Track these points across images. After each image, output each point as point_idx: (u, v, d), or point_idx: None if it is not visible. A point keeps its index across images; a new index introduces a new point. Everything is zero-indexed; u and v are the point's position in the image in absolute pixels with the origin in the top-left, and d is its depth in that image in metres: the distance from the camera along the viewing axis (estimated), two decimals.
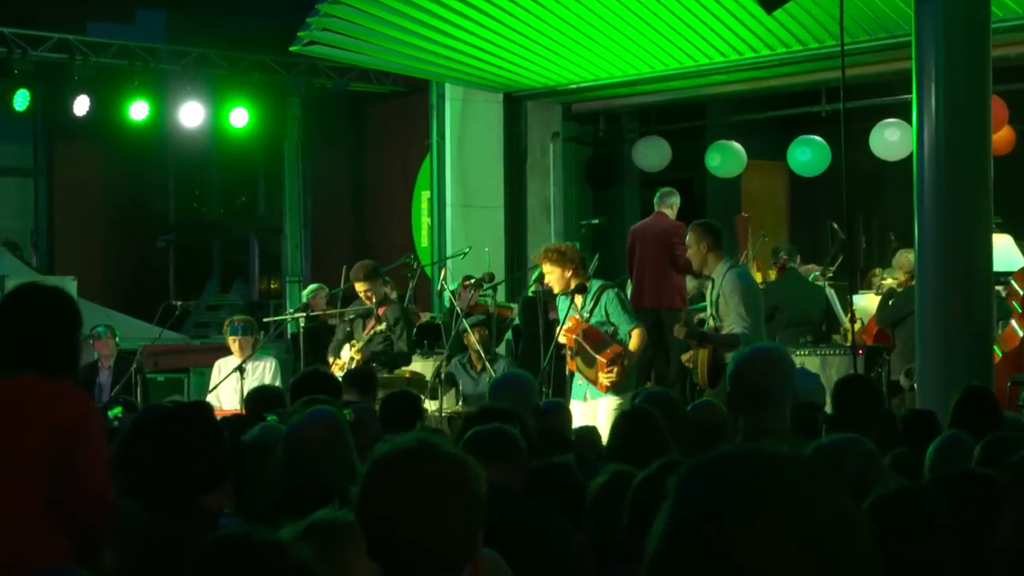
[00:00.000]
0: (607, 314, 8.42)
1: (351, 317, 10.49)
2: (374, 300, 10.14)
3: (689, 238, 8.33)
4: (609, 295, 8.50)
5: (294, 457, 4.12)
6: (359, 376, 7.65)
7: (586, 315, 8.41)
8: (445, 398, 10.32)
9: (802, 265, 12.76)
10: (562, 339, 8.46)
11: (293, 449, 4.13)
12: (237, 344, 10.52)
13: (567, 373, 8.93)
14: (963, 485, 3.11)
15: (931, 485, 3.13)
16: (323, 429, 4.15)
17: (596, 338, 8.31)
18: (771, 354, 4.20)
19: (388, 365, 10.00)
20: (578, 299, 8.48)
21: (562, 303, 8.60)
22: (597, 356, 8.18)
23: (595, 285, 8.52)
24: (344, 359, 10.07)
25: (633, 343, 8.38)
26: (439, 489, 2.45)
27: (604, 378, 8.19)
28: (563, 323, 8.60)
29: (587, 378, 8.33)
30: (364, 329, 10.24)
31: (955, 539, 2.90)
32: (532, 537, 3.89)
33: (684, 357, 8.24)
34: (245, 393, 10.10)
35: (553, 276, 8.45)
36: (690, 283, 11.81)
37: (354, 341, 10.16)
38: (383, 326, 10.06)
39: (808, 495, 1.42)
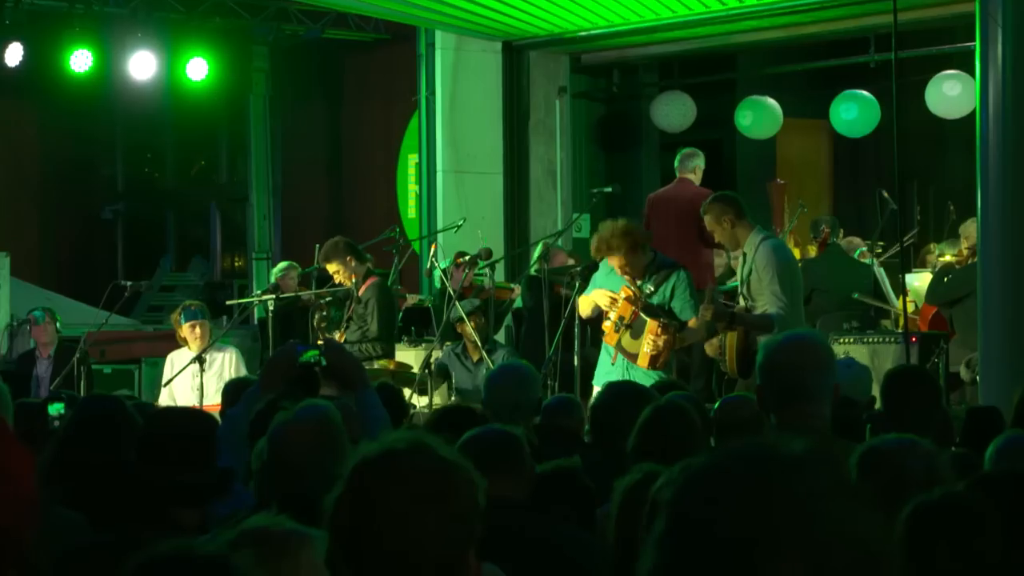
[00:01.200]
0: (671, 297, 8.45)
1: (328, 299, 10.49)
2: (354, 280, 10.15)
3: (707, 221, 8.31)
4: (681, 275, 8.53)
5: (279, 463, 4.13)
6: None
7: (648, 290, 8.43)
8: (436, 393, 10.34)
9: (846, 239, 12.75)
10: (601, 303, 8.42)
11: (278, 453, 4.14)
12: (197, 331, 10.51)
13: (577, 365, 8.94)
14: (1009, 487, 3.13)
15: (975, 487, 3.15)
16: (314, 428, 4.16)
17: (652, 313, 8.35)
18: (806, 341, 4.18)
19: (369, 357, 10.02)
20: (619, 269, 8.46)
21: (603, 278, 8.56)
22: (648, 319, 8.20)
23: (661, 260, 8.56)
24: None
25: (692, 323, 8.44)
26: (425, 498, 2.47)
27: (648, 343, 8.20)
28: (575, 296, 8.58)
29: (627, 353, 8.33)
30: (345, 313, 10.26)
31: (1002, 550, 2.94)
32: (543, 551, 3.91)
33: (708, 348, 8.25)
34: (205, 388, 10.16)
35: (625, 263, 8.35)
36: (718, 257, 11.81)
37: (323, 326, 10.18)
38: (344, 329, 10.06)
39: (829, 512, 1.41)
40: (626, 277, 8.43)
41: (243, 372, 10.48)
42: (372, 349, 10.09)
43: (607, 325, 8.48)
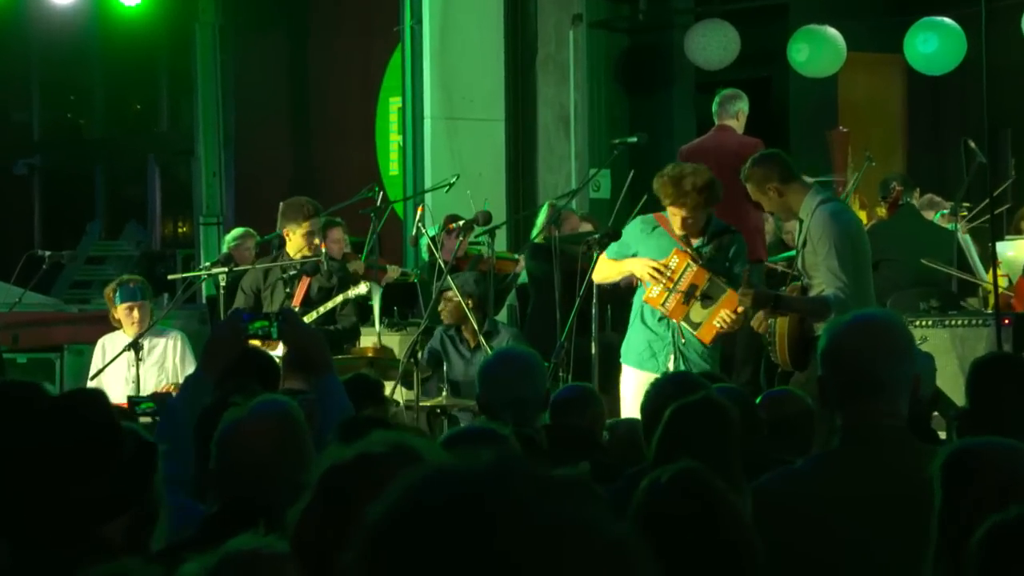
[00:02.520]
0: (731, 264, 8.51)
1: (292, 274, 10.48)
2: (323, 250, 10.17)
3: (750, 191, 8.33)
4: (740, 240, 8.66)
5: (230, 466, 4.15)
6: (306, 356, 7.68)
7: (706, 253, 8.47)
8: (423, 385, 10.33)
9: (925, 198, 12.73)
10: (640, 274, 8.40)
11: (229, 455, 4.16)
12: (135, 314, 10.48)
13: (595, 352, 8.90)
14: None
15: None
16: (271, 427, 4.18)
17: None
18: (878, 323, 4.16)
19: (335, 346, 10.02)
20: (677, 222, 8.47)
21: (640, 239, 8.55)
22: (729, 290, 8.23)
23: (717, 223, 8.62)
24: None
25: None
26: None
27: (723, 318, 8.22)
28: (592, 267, 8.56)
29: (691, 324, 8.34)
30: (295, 293, 10.25)
31: None
32: None
33: (755, 322, 8.21)
34: (142, 381, 10.15)
35: (692, 219, 8.41)
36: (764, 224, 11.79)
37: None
38: (341, 299, 10.06)
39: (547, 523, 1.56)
40: (677, 238, 8.42)
41: (189, 361, 10.46)
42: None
43: (654, 296, 8.42)
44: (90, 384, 10.52)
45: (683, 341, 8.48)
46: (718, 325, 8.30)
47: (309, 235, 10.19)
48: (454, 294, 10.51)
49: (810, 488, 3.97)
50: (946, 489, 3.28)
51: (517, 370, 6.25)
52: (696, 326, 8.38)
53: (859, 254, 8.15)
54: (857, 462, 3.90)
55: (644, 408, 5.82)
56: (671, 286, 8.37)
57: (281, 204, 10.61)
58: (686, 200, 8.37)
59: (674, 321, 8.44)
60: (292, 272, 10.42)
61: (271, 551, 2.80)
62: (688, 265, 8.34)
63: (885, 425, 3.94)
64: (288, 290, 10.28)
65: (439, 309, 10.63)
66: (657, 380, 6.14)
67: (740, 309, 8.22)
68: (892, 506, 3.75)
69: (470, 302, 10.58)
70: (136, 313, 10.43)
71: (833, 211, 8.14)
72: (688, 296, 8.36)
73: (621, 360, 8.74)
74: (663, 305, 8.43)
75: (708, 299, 8.33)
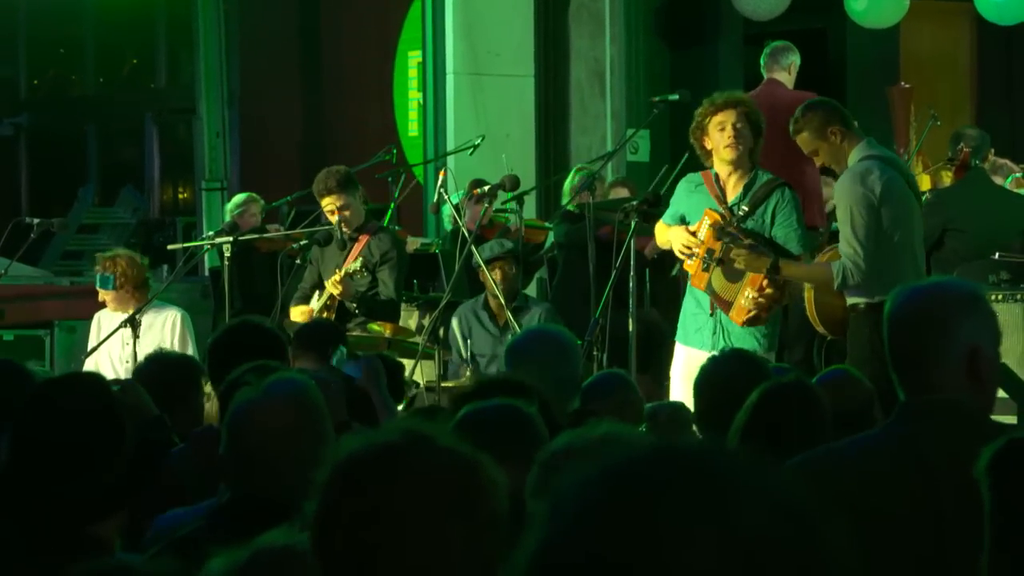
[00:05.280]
0: (772, 222, 8.49)
1: (303, 243, 10.53)
2: (348, 226, 10.21)
3: (805, 139, 8.31)
4: (786, 194, 8.57)
5: (241, 454, 4.17)
6: (317, 332, 7.72)
7: (743, 211, 8.47)
8: (444, 365, 10.38)
9: (1001, 162, 12.72)
10: (676, 246, 8.44)
11: (240, 441, 4.17)
12: (109, 298, 10.48)
13: (632, 330, 8.96)
14: None
15: None
16: (288, 410, 4.18)
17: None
18: (932, 291, 4.16)
19: (372, 313, 10.09)
20: (732, 183, 8.50)
21: (684, 198, 8.59)
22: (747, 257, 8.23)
23: (762, 177, 8.61)
24: (314, 305, 10.17)
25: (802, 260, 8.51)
26: (441, 507, 2.52)
27: (747, 298, 8.24)
28: (630, 237, 8.58)
29: (720, 299, 8.39)
30: (341, 267, 10.33)
31: None
32: None
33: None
34: (139, 360, 10.22)
35: (742, 135, 8.46)
36: (825, 187, 11.79)
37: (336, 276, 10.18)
38: (358, 263, 10.12)
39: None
40: (715, 195, 8.45)
41: (189, 341, 10.51)
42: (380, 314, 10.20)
43: (690, 264, 8.47)
44: (87, 363, 10.59)
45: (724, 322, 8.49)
46: (745, 305, 8.29)
47: (329, 213, 10.24)
48: (498, 264, 10.54)
49: (848, 470, 3.92)
50: (997, 488, 3.17)
51: (550, 350, 6.27)
52: (725, 304, 8.37)
53: (883, 220, 8.08)
54: (902, 440, 3.90)
55: (699, 389, 5.86)
56: (699, 251, 8.41)
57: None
58: (737, 106, 8.49)
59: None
60: (303, 242, 10.49)
61: (305, 548, 2.78)
62: (712, 225, 8.36)
63: (939, 400, 3.91)
64: (337, 256, 10.34)
65: (493, 276, 10.55)
66: (713, 357, 6.17)
67: (768, 288, 8.22)
68: (937, 487, 3.78)
69: (510, 267, 10.64)
70: (109, 298, 10.37)
71: (860, 171, 8.12)
72: (706, 261, 8.36)
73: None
74: (693, 274, 8.51)
75: (726, 266, 8.33)
